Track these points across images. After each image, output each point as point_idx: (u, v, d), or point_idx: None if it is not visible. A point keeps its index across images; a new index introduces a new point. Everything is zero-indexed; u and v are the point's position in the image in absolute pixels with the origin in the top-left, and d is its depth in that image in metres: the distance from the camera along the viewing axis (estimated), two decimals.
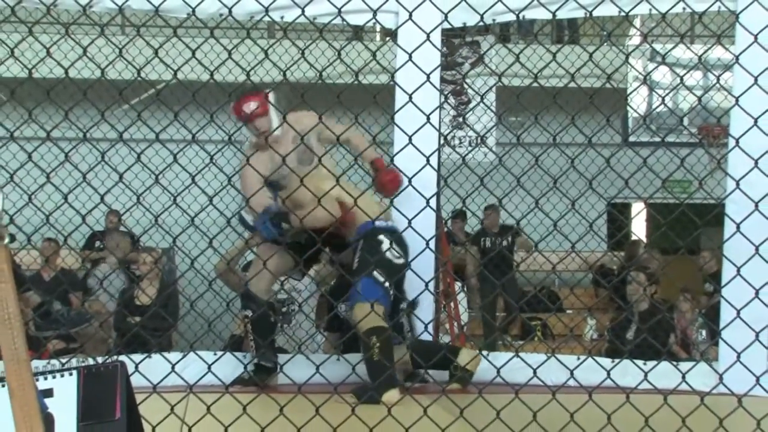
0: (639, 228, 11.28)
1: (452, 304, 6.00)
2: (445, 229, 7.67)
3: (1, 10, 4.52)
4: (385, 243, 4.67)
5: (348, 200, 4.33)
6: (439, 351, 4.95)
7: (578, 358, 4.75)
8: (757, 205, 2.97)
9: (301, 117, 4.53)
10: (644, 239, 10.62)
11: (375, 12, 4.70)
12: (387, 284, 4.58)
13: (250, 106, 4.82)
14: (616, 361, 4.31)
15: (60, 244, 8.39)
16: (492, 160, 6.19)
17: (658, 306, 6.88)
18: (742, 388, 3.08)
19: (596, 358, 4.97)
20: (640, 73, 7.98)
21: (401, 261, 4.69)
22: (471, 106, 6.26)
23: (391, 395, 4.26)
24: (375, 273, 4.55)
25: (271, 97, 4.87)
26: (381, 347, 4.41)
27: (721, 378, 3.04)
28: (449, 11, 3.68)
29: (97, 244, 9.29)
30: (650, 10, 4.59)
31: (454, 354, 4.90)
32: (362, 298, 4.46)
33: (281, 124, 4.83)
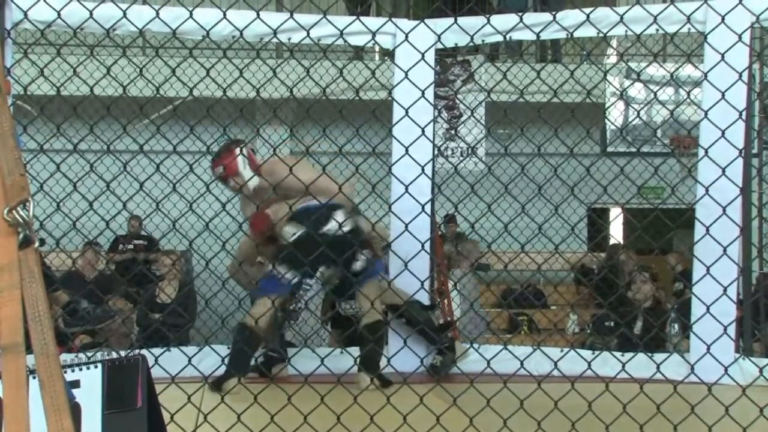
0: (617, 231, 11.27)
1: (446, 301, 5.99)
2: (439, 232, 7.66)
3: (32, 33, 4.51)
4: (288, 232, 4.42)
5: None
6: (431, 328, 4.85)
7: (561, 350, 4.74)
8: (724, 210, 2.96)
9: (275, 167, 4.43)
10: (621, 241, 10.61)
11: (374, 34, 4.70)
12: (288, 273, 4.30)
13: (218, 170, 4.66)
14: (597, 353, 4.30)
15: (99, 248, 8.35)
16: (482, 169, 6.17)
17: (660, 303, 6.76)
18: (712, 378, 3.08)
19: (578, 350, 4.96)
20: (617, 89, 7.97)
21: (297, 236, 4.35)
22: (462, 119, 6.25)
23: (230, 384, 4.02)
24: (274, 270, 4.37)
25: (244, 150, 4.63)
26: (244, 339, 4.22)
27: (692, 368, 3.04)
28: (442, 33, 3.70)
29: (121, 246, 9.28)
30: (626, 31, 4.59)
31: (450, 347, 4.75)
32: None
33: (254, 175, 4.64)
